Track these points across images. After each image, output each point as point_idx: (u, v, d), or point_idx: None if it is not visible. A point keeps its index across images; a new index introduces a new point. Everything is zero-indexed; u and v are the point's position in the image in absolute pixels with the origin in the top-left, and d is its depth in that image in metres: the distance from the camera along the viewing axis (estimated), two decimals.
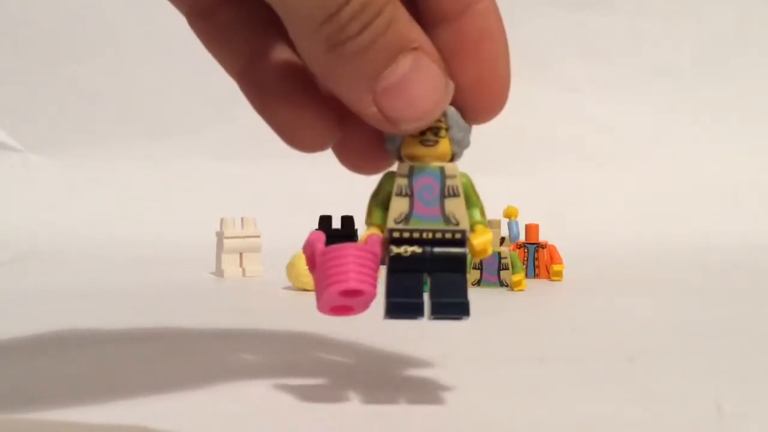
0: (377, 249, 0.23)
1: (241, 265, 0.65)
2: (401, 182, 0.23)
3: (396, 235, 0.23)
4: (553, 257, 0.61)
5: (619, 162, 1.09)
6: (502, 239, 0.57)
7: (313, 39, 0.20)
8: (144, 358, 0.33)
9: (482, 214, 0.24)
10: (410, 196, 0.23)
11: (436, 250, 0.23)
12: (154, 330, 0.40)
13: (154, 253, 0.80)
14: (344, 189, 0.96)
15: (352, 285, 0.22)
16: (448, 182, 0.23)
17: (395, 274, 0.23)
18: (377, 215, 0.23)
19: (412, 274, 0.23)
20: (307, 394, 0.27)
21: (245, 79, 0.24)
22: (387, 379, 0.29)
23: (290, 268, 0.55)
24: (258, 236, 0.66)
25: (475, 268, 0.56)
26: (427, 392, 0.27)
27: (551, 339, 0.38)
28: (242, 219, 0.67)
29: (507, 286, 0.56)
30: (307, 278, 0.54)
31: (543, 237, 0.62)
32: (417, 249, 0.23)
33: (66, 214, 1.03)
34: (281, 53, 0.23)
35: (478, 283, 0.56)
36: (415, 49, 0.20)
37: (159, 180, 1.11)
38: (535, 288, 0.56)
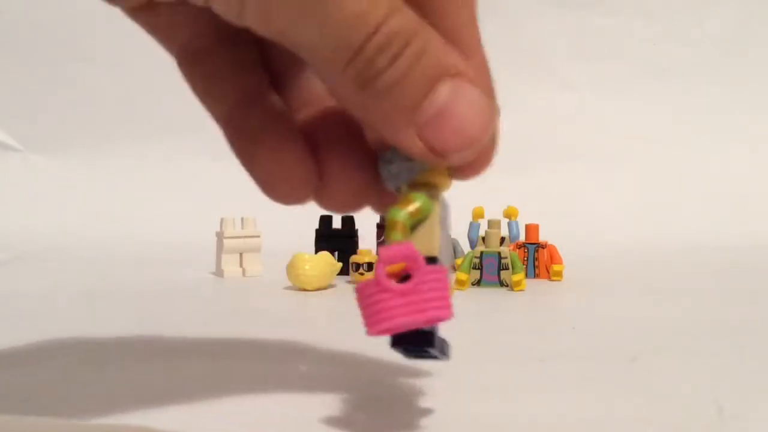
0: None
1: (241, 265, 0.65)
2: (439, 210, 0.22)
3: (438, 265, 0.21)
4: (553, 257, 0.61)
5: (619, 162, 1.09)
6: (502, 239, 0.57)
7: (342, 79, 0.19)
8: (144, 358, 0.33)
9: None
10: (442, 227, 0.22)
11: None
12: (154, 330, 0.40)
13: (154, 253, 0.80)
14: None
15: (449, 313, 0.20)
16: (443, 213, 0.22)
17: None
18: (406, 234, 0.21)
19: None
20: (307, 394, 0.27)
21: (229, 124, 0.23)
22: (386, 379, 0.29)
23: (290, 268, 0.55)
24: (258, 236, 0.66)
25: (475, 268, 0.56)
26: (427, 392, 0.27)
27: (551, 339, 0.38)
28: (242, 219, 0.67)
29: (507, 286, 0.56)
30: (307, 278, 0.54)
31: (543, 237, 0.62)
32: None
33: (66, 214, 1.03)
34: (267, 99, 0.23)
35: (478, 283, 0.56)
36: (454, 75, 0.19)
37: (159, 180, 1.11)
38: (535, 288, 0.56)
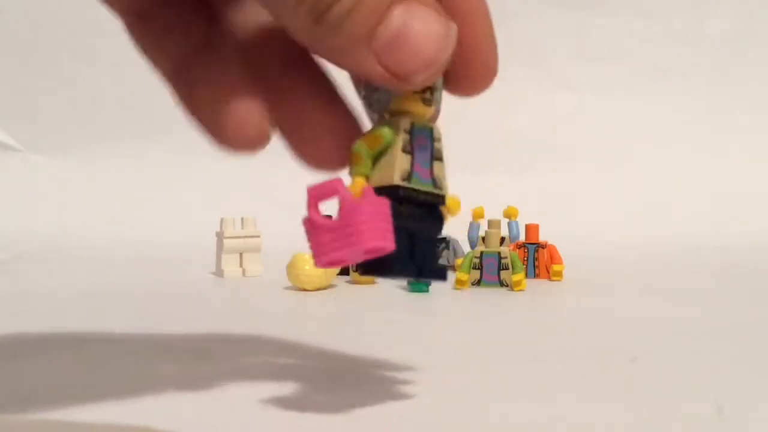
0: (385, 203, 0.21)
1: (241, 265, 0.65)
2: (405, 138, 0.22)
3: (402, 193, 0.22)
4: (553, 257, 0.61)
5: (619, 162, 1.09)
6: (502, 239, 0.57)
7: (295, 15, 0.19)
8: (144, 358, 0.33)
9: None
10: (411, 153, 0.22)
11: (425, 211, 0.23)
12: (154, 330, 0.40)
13: (154, 253, 0.80)
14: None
15: (382, 244, 0.21)
16: (436, 145, 0.23)
17: (396, 232, 0.22)
18: (366, 166, 0.22)
19: (407, 233, 0.22)
20: (307, 394, 0.27)
21: (174, 77, 0.23)
22: (386, 379, 0.29)
23: (290, 268, 0.55)
24: (258, 236, 0.66)
25: (475, 268, 0.56)
26: (427, 392, 0.27)
27: (551, 339, 0.38)
28: (242, 219, 0.67)
29: (507, 286, 0.56)
30: (307, 278, 0.54)
31: (543, 237, 0.62)
32: (415, 210, 0.22)
33: (66, 214, 1.03)
34: (214, 48, 0.23)
35: (478, 283, 0.56)
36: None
37: (159, 180, 1.11)
38: (535, 288, 0.56)
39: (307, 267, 0.54)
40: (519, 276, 0.55)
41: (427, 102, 0.22)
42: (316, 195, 0.21)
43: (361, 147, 0.22)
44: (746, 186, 1.04)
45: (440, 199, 0.23)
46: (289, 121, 0.23)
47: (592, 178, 1.07)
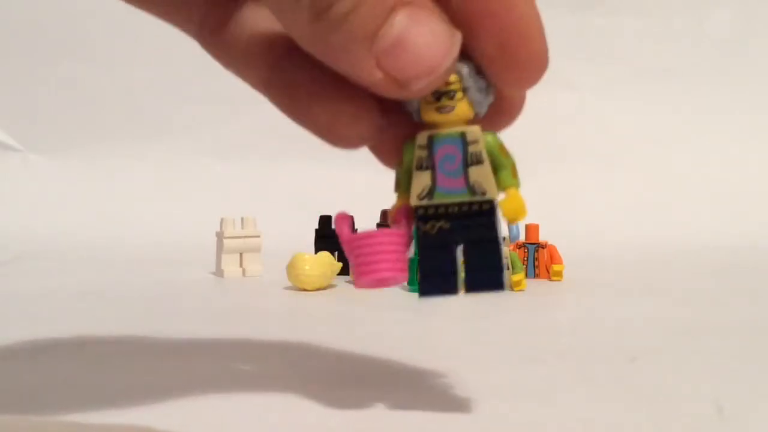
0: (403, 229, 0.22)
1: (241, 265, 0.65)
2: (421, 154, 0.22)
3: (421, 212, 0.22)
4: (553, 257, 0.61)
5: (619, 162, 1.09)
6: (503, 239, 0.57)
7: (296, 11, 0.19)
8: (144, 358, 0.33)
9: (513, 174, 0.22)
10: (432, 168, 0.22)
11: (464, 223, 0.22)
12: (154, 330, 0.40)
13: (155, 254, 0.80)
14: (344, 189, 0.96)
15: (382, 275, 0.22)
16: (471, 149, 0.22)
17: (425, 251, 0.22)
18: (404, 185, 0.22)
19: (443, 249, 0.22)
20: (307, 394, 0.27)
21: (272, 87, 0.22)
22: (386, 379, 0.29)
23: (290, 268, 0.55)
24: (258, 236, 0.66)
25: None
26: (427, 392, 0.27)
27: (551, 339, 0.38)
28: (242, 219, 0.67)
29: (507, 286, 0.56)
30: (307, 278, 0.54)
31: (543, 237, 0.62)
32: (444, 224, 0.22)
33: (66, 214, 1.03)
34: (302, 51, 0.22)
35: None
36: (409, 3, 0.19)
37: (159, 180, 1.11)
38: (535, 288, 0.56)
39: (307, 267, 0.54)
40: (519, 276, 0.55)
41: (443, 110, 0.21)
42: (338, 230, 0.23)
43: (396, 170, 0.23)
44: (746, 186, 1.04)
45: (485, 204, 0.22)
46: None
47: (592, 178, 1.07)
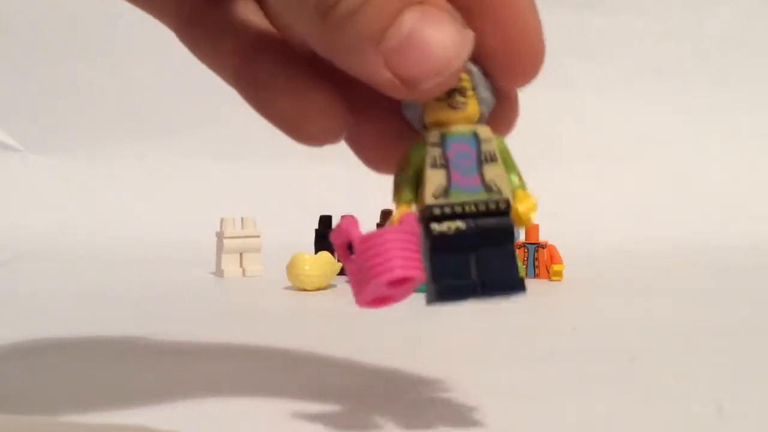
0: (417, 229, 0.21)
1: (241, 265, 0.65)
2: (434, 152, 0.21)
3: (437, 212, 0.21)
4: (553, 257, 0.61)
5: (619, 162, 1.09)
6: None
7: (302, 10, 0.18)
8: (144, 358, 0.33)
9: (521, 178, 0.22)
10: (446, 166, 0.21)
11: (481, 222, 0.21)
12: (153, 330, 0.40)
13: (154, 253, 0.80)
14: (344, 189, 0.96)
15: (399, 273, 0.20)
16: (484, 147, 0.21)
17: (439, 254, 0.21)
18: (407, 192, 0.21)
19: (456, 252, 0.21)
20: (306, 394, 0.27)
21: (240, 79, 0.22)
22: (385, 380, 0.29)
23: (290, 268, 0.55)
24: (258, 236, 0.66)
25: None
26: (426, 392, 0.27)
27: (551, 339, 0.38)
28: (242, 219, 0.67)
29: None
30: (307, 278, 0.54)
31: (543, 237, 0.62)
32: (461, 225, 0.21)
33: (66, 214, 1.03)
34: (275, 44, 0.22)
35: None
36: (421, 2, 0.18)
37: (159, 180, 1.11)
38: (535, 288, 0.56)
39: (307, 267, 0.54)
40: None
41: (456, 106, 0.21)
42: (335, 239, 0.21)
43: (396, 174, 0.21)
44: (746, 186, 1.04)
45: (501, 202, 0.21)
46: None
47: (592, 178, 1.07)
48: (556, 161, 1.07)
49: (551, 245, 0.62)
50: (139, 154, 1.13)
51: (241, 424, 0.24)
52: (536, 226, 0.63)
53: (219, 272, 0.65)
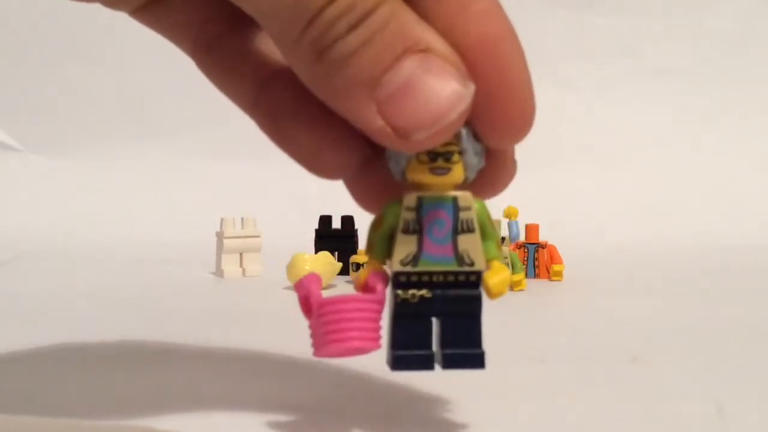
0: (380, 295, 0.20)
1: (241, 265, 0.65)
2: (408, 216, 0.20)
3: (403, 279, 0.20)
4: (553, 257, 0.61)
5: (619, 162, 1.09)
6: (503, 239, 0.57)
7: (298, 48, 0.18)
8: (144, 358, 0.33)
9: (498, 247, 0.21)
10: (419, 232, 0.20)
11: (448, 293, 0.20)
12: (153, 330, 0.40)
13: (154, 253, 0.80)
14: (344, 189, 0.96)
15: (356, 344, 0.20)
16: (463, 215, 0.20)
17: (401, 320, 0.21)
18: (379, 249, 0.21)
19: (419, 320, 0.21)
20: (306, 394, 0.27)
21: (259, 110, 0.22)
22: (385, 380, 0.29)
23: (290, 268, 0.55)
24: (258, 236, 0.66)
25: None
26: (426, 393, 0.27)
27: (551, 339, 0.38)
28: (242, 219, 0.67)
29: None
30: None
31: (543, 237, 0.62)
32: (426, 293, 0.20)
33: (66, 214, 1.03)
34: (294, 75, 0.21)
35: None
36: (424, 51, 0.18)
37: (159, 180, 1.11)
38: (535, 288, 0.56)
39: (307, 267, 0.54)
40: (519, 276, 0.55)
41: (439, 172, 0.20)
42: (298, 291, 0.21)
43: (369, 231, 0.21)
44: (746, 186, 1.04)
45: (472, 275, 0.20)
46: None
47: (592, 178, 1.07)
48: (555, 161, 1.07)
49: (551, 245, 0.62)
50: (139, 154, 1.13)
51: (240, 423, 0.24)
52: (536, 226, 0.63)
53: (219, 272, 0.65)
